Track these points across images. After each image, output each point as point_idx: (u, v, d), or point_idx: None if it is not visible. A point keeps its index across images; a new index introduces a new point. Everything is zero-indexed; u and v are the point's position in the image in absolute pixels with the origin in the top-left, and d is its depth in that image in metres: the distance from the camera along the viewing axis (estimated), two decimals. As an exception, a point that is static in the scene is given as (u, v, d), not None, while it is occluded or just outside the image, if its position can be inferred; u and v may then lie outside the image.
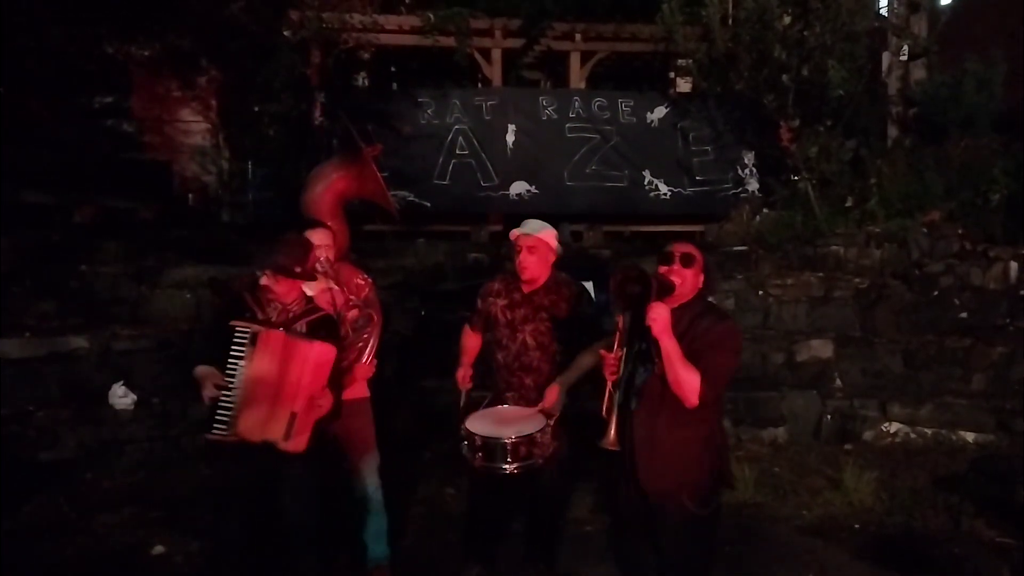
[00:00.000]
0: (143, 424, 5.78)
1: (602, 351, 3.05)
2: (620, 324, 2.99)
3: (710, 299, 3.17)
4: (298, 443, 3.29)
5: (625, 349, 2.97)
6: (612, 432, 2.94)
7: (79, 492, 5.23)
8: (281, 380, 3.26)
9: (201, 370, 3.33)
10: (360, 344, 3.84)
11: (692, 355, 2.83)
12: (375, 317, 3.89)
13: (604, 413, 3.00)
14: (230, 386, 3.24)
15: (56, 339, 6.07)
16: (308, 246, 3.48)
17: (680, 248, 2.99)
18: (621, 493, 3.08)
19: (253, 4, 9.55)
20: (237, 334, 3.28)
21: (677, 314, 2.90)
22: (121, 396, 5.92)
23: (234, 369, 3.25)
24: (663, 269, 2.96)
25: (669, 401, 2.88)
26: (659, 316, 2.80)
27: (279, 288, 3.40)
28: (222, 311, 3.48)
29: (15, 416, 5.58)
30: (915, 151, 9.39)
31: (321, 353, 3.32)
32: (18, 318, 6.30)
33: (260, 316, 3.37)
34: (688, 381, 2.81)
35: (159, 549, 4.41)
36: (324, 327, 3.46)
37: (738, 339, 3.00)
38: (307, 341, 3.33)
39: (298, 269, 3.38)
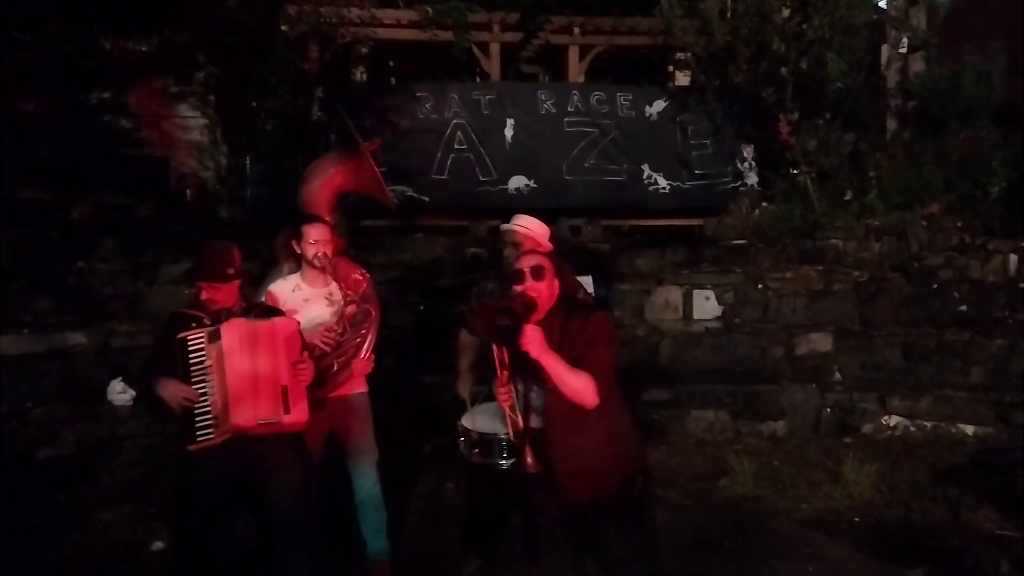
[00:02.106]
0: (142, 420, 5.75)
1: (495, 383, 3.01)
2: (495, 350, 2.92)
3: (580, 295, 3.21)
4: (299, 413, 3.32)
5: (508, 371, 2.93)
6: (530, 456, 2.91)
7: (78, 489, 5.23)
8: (258, 362, 3.26)
9: (159, 382, 3.27)
10: (358, 340, 3.83)
11: (574, 358, 2.79)
12: (372, 312, 3.88)
13: (515, 439, 3.00)
14: (201, 392, 3.23)
15: (54, 336, 6.07)
16: (230, 249, 3.45)
17: (527, 262, 2.95)
18: (546, 509, 3.08)
19: (250, -2, 9.53)
20: (190, 343, 3.27)
21: (547, 324, 2.86)
22: (120, 392, 5.92)
23: (201, 375, 3.24)
24: (519, 288, 2.90)
25: (566, 411, 2.84)
26: (532, 338, 2.73)
27: (220, 296, 3.41)
28: (164, 331, 3.46)
29: (13, 413, 5.58)
30: (914, 144, 9.38)
31: (285, 325, 3.38)
32: (16, 315, 6.30)
33: (206, 321, 3.36)
34: (583, 387, 2.76)
35: (158, 545, 4.40)
36: (272, 313, 3.51)
37: (610, 328, 2.98)
38: (267, 320, 3.38)
39: (230, 271, 3.39)
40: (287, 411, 3.27)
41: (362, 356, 3.86)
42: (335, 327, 3.80)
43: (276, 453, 3.32)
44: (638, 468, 3.04)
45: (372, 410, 4.00)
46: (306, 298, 3.88)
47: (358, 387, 3.95)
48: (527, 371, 2.91)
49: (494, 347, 2.91)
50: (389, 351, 6.07)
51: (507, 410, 2.97)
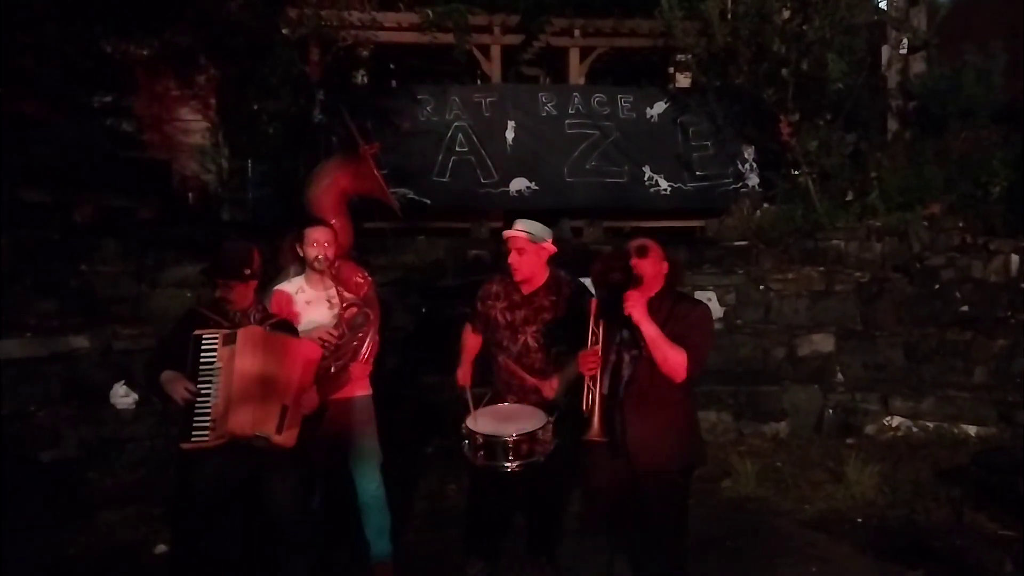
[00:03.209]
0: (144, 423, 5.77)
1: (581, 353, 3.16)
2: (593, 315, 3.13)
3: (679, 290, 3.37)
4: (289, 437, 3.31)
5: (603, 342, 3.12)
6: (596, 424, 3.06)
7: (81, 491, 5.23)
8: (272, 374, 3.27)
9: (167, 375, 3.31)
10: (356, 343, 3.83)
11: (676, 337, 3.04)
12: (371, 316, 3.88)
13: (585, 409, 3.12)
14: (204, 392, 3.23)
15: (57, 339, 6.07)
16: (249, 249, 3.48)
17: (634, 243, 3.19)
18: (602, 480, 3.24)
19: (251, 1, 9.52)
20: (204, 342, 3.28)
21: (655, 303, 3.10)
22: (123, 395, 5.93)
23: (209, 375, 3.25)
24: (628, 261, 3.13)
25: (657, 384, 3.08)
26: (636, 303, 2.99)
27: (234, 296, 3.43)
28: (179, 326, 3.48)
29: (17, 415, 5.59)
30: (915, 144, 9.38)
31: (310, 351, 3.43)
32: (19, 318, 6.30)
33: (224, 324, 3.37)
34: (675, 357, 3.02)
35: (161, 548, 4.39)
36: (287, 328, 3.54)
37: (712, 322, 3.31)
38: (295, 338, 3.41)
39: (247, 271, 3.41)
40: (280, 431, 3.27)
41: (361, 359, 3.86)
42: (334, 330, 3.81)
43: (276, 454, 3.32)
44: (696, 460, 3.28)
45: (375, 412, 4.01)
46: (308, 300, 3.89)
47: (361, 389, 3.95)
48: (622, 340, 3.12)
49: (592, 321, 3.12)
50: (391, 352, 6.08)
51: (587, 378, 3.12)
